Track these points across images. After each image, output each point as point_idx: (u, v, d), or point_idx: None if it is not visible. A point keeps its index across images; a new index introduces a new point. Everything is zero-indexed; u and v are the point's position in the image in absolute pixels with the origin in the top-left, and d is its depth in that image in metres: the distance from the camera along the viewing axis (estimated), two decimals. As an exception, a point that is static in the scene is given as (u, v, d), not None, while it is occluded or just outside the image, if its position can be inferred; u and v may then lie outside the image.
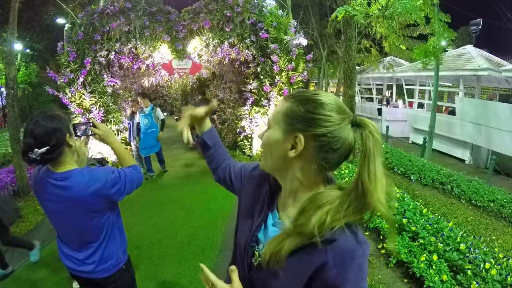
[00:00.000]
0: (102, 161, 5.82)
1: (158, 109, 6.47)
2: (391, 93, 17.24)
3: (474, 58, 9.62)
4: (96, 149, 6.41)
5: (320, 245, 0.76)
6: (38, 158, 1.44)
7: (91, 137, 1.77)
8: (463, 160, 9.15)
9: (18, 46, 14.07)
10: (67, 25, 9.00)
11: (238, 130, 7.63)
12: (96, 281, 1.77)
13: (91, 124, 1.71)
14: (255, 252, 0.94)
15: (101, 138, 1.73)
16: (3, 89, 16.75)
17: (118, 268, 1.79)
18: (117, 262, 1.79)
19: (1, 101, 18.12)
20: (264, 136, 0.88)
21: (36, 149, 1.42)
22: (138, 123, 6.24)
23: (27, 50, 16.42)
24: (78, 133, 1.69)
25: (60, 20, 14.08)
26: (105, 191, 1.59)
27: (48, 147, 1.45)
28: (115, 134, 6.66)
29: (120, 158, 1.79)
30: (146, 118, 6.18)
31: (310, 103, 0.81)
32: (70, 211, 1.59)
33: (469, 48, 10.70)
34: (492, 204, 5.07)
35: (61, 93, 6.19)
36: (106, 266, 1.74)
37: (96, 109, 6.28)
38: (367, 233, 3.83)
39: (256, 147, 7.26)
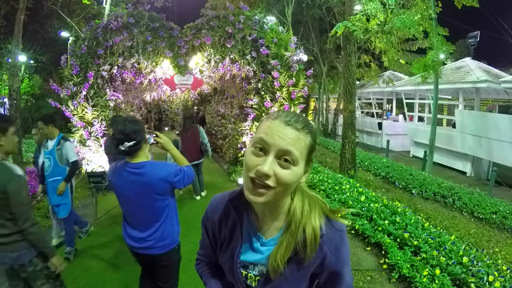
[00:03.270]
0: (102, 175, 5.84)
1: (68, 143, 3.82)
2: (391, 107, 17.34)
3: (473, 71, 9.72)
4: (97, 162, 6.43)
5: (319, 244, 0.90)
6: (126, 149, 1.95)
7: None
8: (464, 173, 9.13)
9: (22, 58, 14.29)
10: (71, 39, 9.17)
11: (239, 145, 7.65)
12: (152, 257, 2.15)
13: (155, 135, 2.14)
14: (249, 274, 1.00)
15: (162, 146, 2.15)
16: (6, 100, 16.94)
17: (172, 248, 2.17)
18: (172, 241, 2.16)
19: (4, 112, 18.29)
20: (289, 174, 0.83)
21: (126, 143, 1.94)
22: (43, 163, 3.81)
23: (31, 62, 16.64)
24: None
25: (64, 34, 14.36)
26: (170, 178, 2.04)
27: (134, 141, 1.95)
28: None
29: (177, 161, 2.22)
30: (47, 157, 3.71)
31: (314, 132, 0.90)
32: (141, 194, 2.02)
33: (468, 61, 10.83)
34: (494, 216, 5.04)
35: (63, 105, 6.25)
36: (163, 243, 2.11)
37: (98, 122, 6.32)
38: (369, 248, 3.80)
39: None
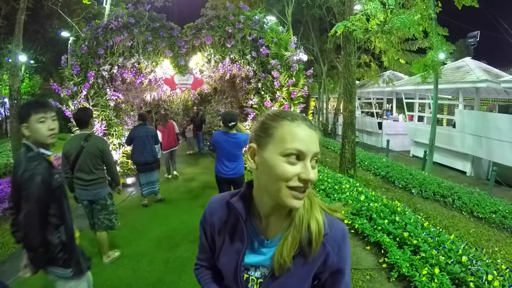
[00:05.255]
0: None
1: None
2: (391, 107, 17.34)
3: (473, 70, 9.71)
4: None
5: (321, 243, 0.91)
6: (231, 125, 3.90)
7: None
8: (464, 172, 9.14)
9: (22, 58, 14.25)
10: (71, 39, 9.17)
11: (239, 145, 7.69)
12: (233, 179, 4.15)
13: None
14: (251, 277, 0.99)
15: (239, 128, 4.23)
16: (6, 100, 16.92)
17: (241, 174, 4.20)
18: (242, 171, 4.22)
19: (5, 112, 18.27)
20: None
21: (232, 122, 3.89)
22: None
23: (31, 62, 16.62)
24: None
25: (65, 34, 14.34)
26: (247, 140, 3.63)
27: (234, 122, 3.91)
28: (117, 147, 6.70)
29: (244, 132, 4.32)
30: None
31: None
32: (232, 147, 3.99)
33: (468, 61, 10.82)
34: (494, 216, 5.05)
35: (64, 105, 6.25)
36: (239, 171, 4.15)
37: (98, 122, 6.33)
38: (368, 248, 3.81)
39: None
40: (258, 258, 0.98)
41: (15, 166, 1.85)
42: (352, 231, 4.15)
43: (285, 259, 0.89)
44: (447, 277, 2.94)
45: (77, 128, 6.39)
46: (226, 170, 4.10)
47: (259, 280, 0.97)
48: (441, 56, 7.73)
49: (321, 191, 5.40)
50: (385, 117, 15.86)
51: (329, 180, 5.81)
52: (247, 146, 0.95)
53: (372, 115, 15.83)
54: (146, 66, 6.64)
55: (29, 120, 1.82)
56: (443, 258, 3.18)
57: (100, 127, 6.35)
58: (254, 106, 7.11)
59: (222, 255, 1.04)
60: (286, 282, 0.93)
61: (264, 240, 0.97)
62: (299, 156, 0.82)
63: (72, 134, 6.59)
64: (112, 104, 6.63)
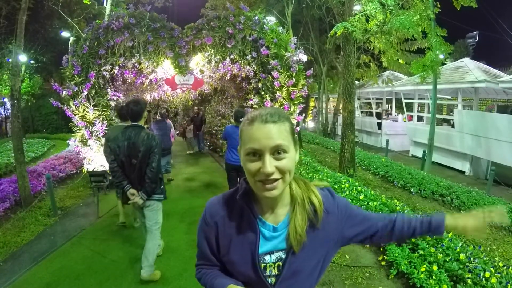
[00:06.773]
0: (104, 174, 5.90)
1: None
2: (391, 107, 17.36)
3: (472, 71, 9.75)
4: (98, 162, 6.47)
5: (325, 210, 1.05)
6: (241, 120, 3.45)
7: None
8: (463, 172, 9.17)
9: (22, 58, 14.23)
10: (71, 39, 9.19)
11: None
12: (238, 167, 4.50)
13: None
14: (267, 264, 1.02)
15: None
16: (6, 100, 16.92)
17: None
18: None
19: (5, 112, 18.26)
20: (287, 161, 0.92)
21: (242, 118, 3.65)
22: None
23: (32, 62, 16.63)
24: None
25: (65, 34, 14.34)
26: None
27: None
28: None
29: None
30: None
31: (288, 116, 1.02)
32: None
33: (466, 61, 10.84)
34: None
35: (65, 105, 6.28)
36: None
37: (99, 122, 6.36)
38: (367, 246, 3.85)
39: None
40: (270, 245, 1.02)
41: (134, 136, 3.17)
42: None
43: (300, 234, 0.99)
44: (445, 274, 2.98)
45: (78, 128, 6.50)
46: (235, 158, 4.71)
47: (277, 263, 1.02)
48: (440, 56, 7.77)
49: (320, 190, 5.44)
50: (384, 117, 15.88)
51: (328, 179, 5.85)
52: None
53: (373, 115, 15.84)
54: (147, 66, 6.67)
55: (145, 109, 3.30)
56: (441, 255, 3.22)
57: (101, 127, 6.38)
58: (254, 106, 7.13)
59: (232, 253, 1.05)
60: (306, 255, 1.01)
61: (271, 225, 1.03)
62: (257, 153, 0.92)
63: (73, 135, 6.69)
64: (113, 104, 6.66)
